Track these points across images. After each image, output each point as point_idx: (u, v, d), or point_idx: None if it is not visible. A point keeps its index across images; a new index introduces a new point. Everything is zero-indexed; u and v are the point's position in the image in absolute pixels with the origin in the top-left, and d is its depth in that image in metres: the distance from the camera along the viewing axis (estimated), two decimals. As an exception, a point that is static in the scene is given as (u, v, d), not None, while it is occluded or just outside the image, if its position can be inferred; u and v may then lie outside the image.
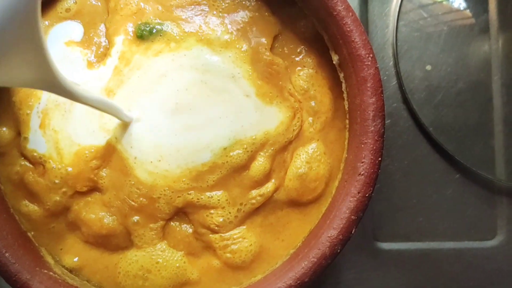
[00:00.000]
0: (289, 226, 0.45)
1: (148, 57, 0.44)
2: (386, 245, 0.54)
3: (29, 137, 0.44)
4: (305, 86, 0.45)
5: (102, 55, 0.45)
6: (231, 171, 0.44)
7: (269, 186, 0.44)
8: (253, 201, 0.44)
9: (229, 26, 0.45)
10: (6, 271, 0.39)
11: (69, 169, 0.43)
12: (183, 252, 0.44)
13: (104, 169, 0.44)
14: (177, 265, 0.44)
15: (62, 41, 0.45)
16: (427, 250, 0.54)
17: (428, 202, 0.55)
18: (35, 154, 0.44)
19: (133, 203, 0.43)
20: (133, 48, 0.44)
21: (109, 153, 0.44)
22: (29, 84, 0.33)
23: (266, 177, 0.44)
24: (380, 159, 0.40)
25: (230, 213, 0.44)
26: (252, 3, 0.45)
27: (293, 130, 0.45)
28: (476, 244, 0.54)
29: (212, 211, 0.44)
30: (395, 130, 0.55)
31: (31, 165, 0.44)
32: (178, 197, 0.43)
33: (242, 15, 0.45)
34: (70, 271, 0.44)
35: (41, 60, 0.30)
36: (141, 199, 0.43)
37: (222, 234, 0.44)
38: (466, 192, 0.55)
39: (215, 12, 0.45)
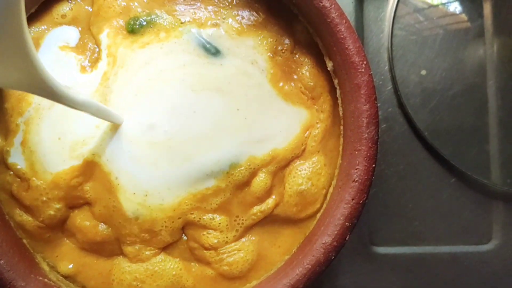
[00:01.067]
0: (284, 233, 0.45)
1: (133, 50, 0.44)
2: (382, 249, 0.55)
3: (10, 151, 0.44)
4: (312, 84, 0.45)
5: (96, 60, 0.45)
6: (234, 189, 0.43)
7: (270, 202, 0.44)
8: (254, 217, 0.44)
9: (239, 18, 0.44)
10: (1, 278, 0.39)
11: (54, 192, 0.43)
12: (178, 259, 0.44)
13: (87, 184, 0.43)
14: (174, 272, 0.44)
15: (57, 45, 0.45)
16: (423, 254, 0.54)
17: (423, 207, 0.55)
18: (18, 167, 0.43)
19: (134, 238, 0.43)
20: (117, 40, 0.44)
21: (89, 169, 0.43)
22: (15, 85, 0.32)
23: (267, 193, 0.44)
24: (374, 165, 0.40)
25: (227, 237, 0.43)
26: (260, 6, 0.45)
27: (302, 145, 0.44)
28: (472, 248, 0.55)
29: (209, 231, 0.43)
30: (391, 134, 0.55)
31: (17, 178, 0.44)
32: (179, 218, 0.43)
33: (253, 14, 0.45)
34: (65, 277, 0.44)
35: (26, 61, 0.30)
36: (142, 235, 0.43)
37: (216, 250, 0.44)
38: (461, 196, 0.55)
39: (215, 5, 0.45)
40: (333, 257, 0.39)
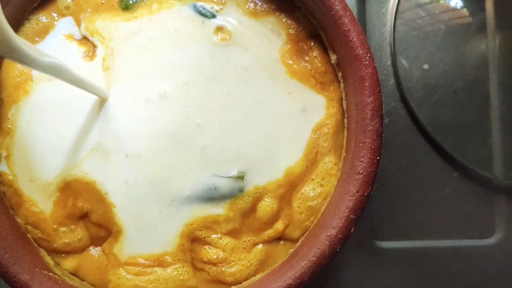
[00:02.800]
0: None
1: (115, 21, 0.43)
2: (385, 244, 0.55)
3: (1, 155, 0.43)
4: (322, 69, 0.44)
5: (94, 50, 0.45)
6: (241, 218, 0.43)
7: (279, 227, 0.43)
8: (262, 241, 0.43)
9: (252, 3, 0.44)
10: (6, 272, 0.39)
11: (63, 228, 0.43)
12: (184, 263, 0.44)
13: (78, 199, 0.43)
14: (182, 278, 0.43)
15: (62, 33, 0.45)
16: (426, 249, 0.55)
17: (426, 201, 0.55)
18: (9, 178, 0.43)
19: (140, 267, 0.43)
20: (93, 18, 0.44)
21: (69, 189, 0.43)
22: None
23: (275, 217, 0.43)
24: (378, 158, 0.40)
25: (230, 255, 0.43)
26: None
27: (314, 148, 0.43)
28: (474, 242, 0.55)
29: (212, 247, 0.43)
30: (393, 129, 0.55)
31: (10, 187, 0.43)
32: (183, 244, 0.43)
33: (266, 2, 0.45)
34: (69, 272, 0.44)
35: None
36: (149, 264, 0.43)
37: (216, 265, 0.43)
38: (464, 190, 0.55)
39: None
40: (338, 249, 0.39)
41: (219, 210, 0.42)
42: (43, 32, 0.45)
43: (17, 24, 0.44)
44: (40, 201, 0.43)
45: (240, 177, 0.42)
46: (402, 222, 0.55)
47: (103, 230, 0.43)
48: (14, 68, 0.44)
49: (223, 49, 0.43)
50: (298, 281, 0.39)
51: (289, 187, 0.43)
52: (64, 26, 0.45)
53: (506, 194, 0.55)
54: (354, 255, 0.54)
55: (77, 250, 0.44)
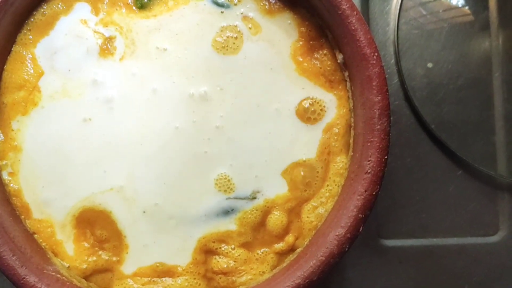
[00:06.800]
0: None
1: (132, 17, 0.44)
2: (390, 242, 0.55)
3: (9, 164, 0.43)
4: (333, 66, 0.44)
5: (112, 40, 0.44)
6: (252, 231, 0.43)
7: (290, 240, 0.43)
8: (274, 253, 0.44)
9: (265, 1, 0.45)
10: (14, 274, 0.39)
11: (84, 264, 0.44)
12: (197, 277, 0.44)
13: (95, 229, 0.43)
14: None
15: (78, 18, 0.44)
16: (430, 247, 0.55)
17: (430, 199, 0.55)
18: (16, 187, 0.43)
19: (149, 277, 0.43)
20: (111, 10, 0.44)
21: (84, 219, 0.43)
22: None
23: (285, 230, 0.44)
24: (386, 157, 0.40)
25: (242, 265, 0.43)
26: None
27: (325, 148, 0.43)
28: (479, 239, 0.55)
29: (223, 257, 0.43)
30: (398, 127, 0.55)
31: (16, 197, 0.44)
32: (196, 259, 0.43)
33: (277, 2, 0.45)
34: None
35: None
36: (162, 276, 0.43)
37: (226, 275, 0.43)
38: (468, 188, 0.55)
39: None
40: (346, 248, 0.39)
41: (232, 226, 0.43)
42: (57, 16, 0.44)
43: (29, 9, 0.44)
44: (57, 231, 0.43)
45: (255, 197, 0.43)
46: (407, 220, 0.55)
47: (116, 256, 0.44)
48: (18, 75, 0.43)
49: (254, 44, 0.43)
50: (307, 280, 0.39)
51: (298, 202, 0.44)
52: (80, 10, 0.44)
53: (510, 192, 0.55)
54: (359, 253, 0.54)
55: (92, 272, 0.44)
